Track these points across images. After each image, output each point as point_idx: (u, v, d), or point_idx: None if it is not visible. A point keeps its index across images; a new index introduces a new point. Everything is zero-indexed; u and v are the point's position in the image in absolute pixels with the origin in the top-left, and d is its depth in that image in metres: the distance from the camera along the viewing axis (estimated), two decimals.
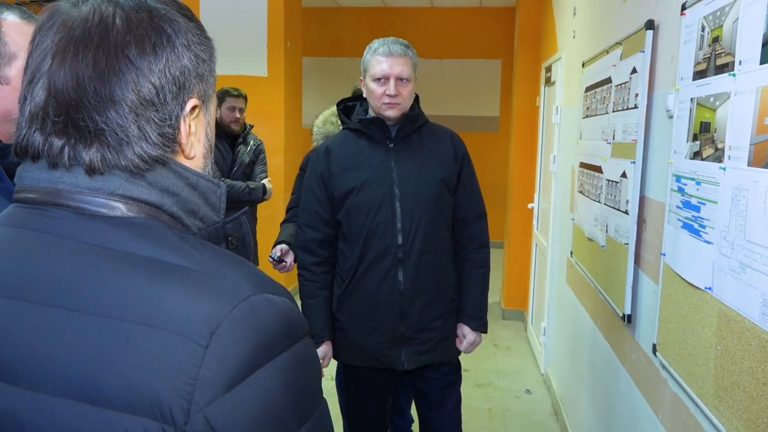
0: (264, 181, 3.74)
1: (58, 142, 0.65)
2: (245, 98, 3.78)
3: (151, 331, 0.59)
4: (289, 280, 5.50)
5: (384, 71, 2.02)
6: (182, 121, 0.69)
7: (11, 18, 1.16)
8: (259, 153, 3.86)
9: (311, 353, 0.67)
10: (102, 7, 0.66)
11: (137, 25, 0.66)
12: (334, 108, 2.70)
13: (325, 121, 2.89)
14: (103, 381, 0.58)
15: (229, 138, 3.75)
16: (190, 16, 0.72)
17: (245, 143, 3.79)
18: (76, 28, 0.65)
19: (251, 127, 3.89)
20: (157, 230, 0.66)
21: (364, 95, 2.14)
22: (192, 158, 0.72)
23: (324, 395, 0.73)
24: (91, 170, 0.65)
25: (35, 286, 0.63)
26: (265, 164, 3.91)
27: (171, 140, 0.68)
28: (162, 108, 0.67)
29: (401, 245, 2.05)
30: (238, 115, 3.70)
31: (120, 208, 0.66)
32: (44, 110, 0.65)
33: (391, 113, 2.04)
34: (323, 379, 2.65)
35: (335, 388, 2.98)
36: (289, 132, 5.57)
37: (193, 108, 0.70)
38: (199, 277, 0.62)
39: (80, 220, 0.65)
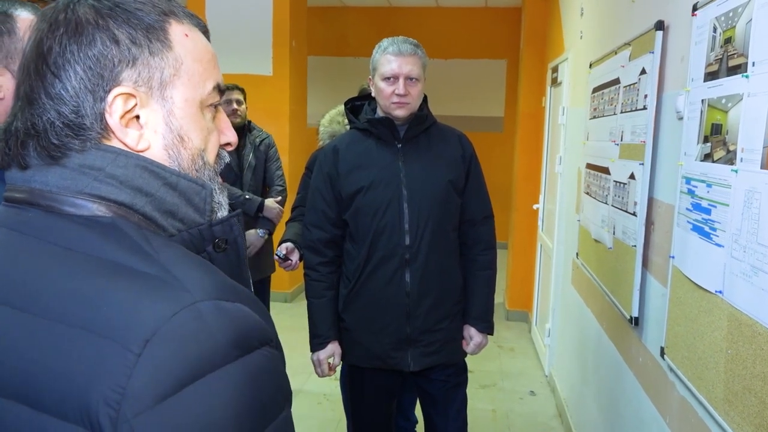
0: (269, 200, 3.58)
1: (12, 142, 0.68)
2: (241, 90, 3.67)
3: (88, 335, 0.57)
4: (293, 279, 5.51)
5: (393, 70, 2.01)
6: (106, 113, 0.66)
7: (25, 15, 1.19)
8: (268, 148, 3.70)
9: (269, 364, 0.63)
10: (46, 10, 0.69)
11: (54, 20, 0.67)
12: (341, 107, 2.69)
13: (331, 120, 2.88)
14: (39, 384, 0.57)
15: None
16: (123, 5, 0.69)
17: (247, 144, 3.64)
18: (33, 33, 0.69)
19: (250, 122, 3.77)
20: (119, 230, 0.64)
21: (373, 94, 2.13)
22: (142, 150, 0.68)
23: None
24: (21, 167, 0.67)
25: (1, 286, 0.63)
26: (279, 159, 3.79)
27: (87, 131, 0.66)
28: (71, 100, 0.66)
29: (408, 246, 2.04)
30: (235, 107, 3.61)
31: (88, 207, 0.65)
32: (17, 111, 0.69)
33: (400, 113, 2.03)
34: (329, 379, 2.65)
35: (340, 388, 2.98)
36: (294, 131, 5.56)
37: (125, 96, 0.66)
38: (147, 282, 0.60)
39: (47, 219, 0.65)
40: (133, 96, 0.67)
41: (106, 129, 0.67)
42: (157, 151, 0.69)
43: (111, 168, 0.66)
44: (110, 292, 0.59)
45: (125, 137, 0.67)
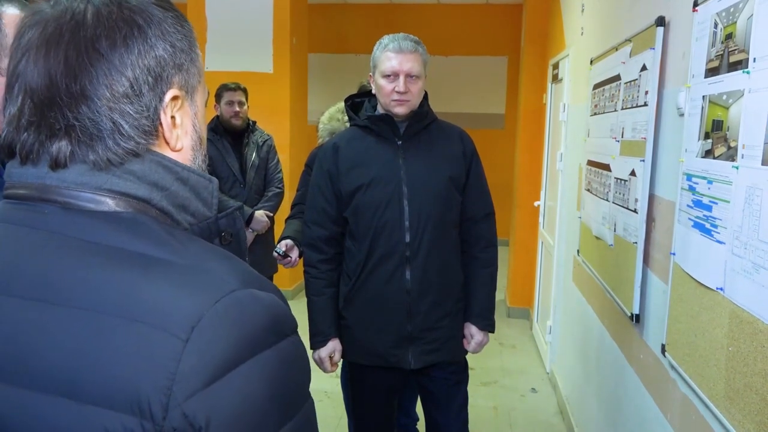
0: (259, 212, 3.58)
1: (31, 139, 0.66)
2: (245, 91, 3.66)
3: (132, 324, 0.58)
4: (294, 277, 5.50)
5: (394, 68, 2.00)
6: (162, 113, 0.68)
7: (11, 11, 1.17)
8: (269, 150, 3.72)
9: (298, 351, 0.66)
10: (74, 4, 0.66)
11: (107, 18, 0.66)
12: (340, 104, 2.69)
13: (330, 117, 2.88)
14: (82, 375, 0.57)
15: (231, 135, 3.61)
16: (166, 6, 0.71)
17: (250, 144, 3.65)
18: (49, 26, 0.66)
19: (254, 122, 3.78)
20: (143, 225, 0.66)
21: (373, 91, 2.12)
22: (179, 150, 0.71)
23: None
24: (55, 164, 0.65)
25: (20, 281, 0.62)
26: (279, 161, 3.80)
27: (148, 133, 0.67)
28: (137, 100, 0.66)
29: (409, 243, 2.04)
30: (237, 109, 3.59)
31: (107, 203, 0.65)
32: (21, 110, 0.66)
33: (400, 110, 2.03)
34: (330, 377, 2.65)
35: (341, 386, 2.98)
36: (295, 129, 5.56)
37: (175, 98, 0.70)
38: (183, 271, 0.62)
39: (67, 215, 0.65)
40: (179, 98, 0.70)
41: (156, 129, 0.69)
42: (186, 152, 0.73)
43: (128, 164, 0.67)
44: (149, 282, 0.60)
45: (171, 136, 0.70)
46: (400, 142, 2.08)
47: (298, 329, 0.70)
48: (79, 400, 0.57)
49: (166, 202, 0.69)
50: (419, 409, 2.67)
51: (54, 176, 0.66)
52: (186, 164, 0.72)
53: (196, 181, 0.72)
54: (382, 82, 2.03)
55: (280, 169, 3.78)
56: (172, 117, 0.70)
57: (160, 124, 0.69)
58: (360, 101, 2.24)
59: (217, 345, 0.58)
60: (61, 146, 0.65)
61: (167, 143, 0.70)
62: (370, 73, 2.11)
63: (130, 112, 0.66)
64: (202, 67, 0.76)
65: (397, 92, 2.01)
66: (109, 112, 0.65)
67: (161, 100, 0.68)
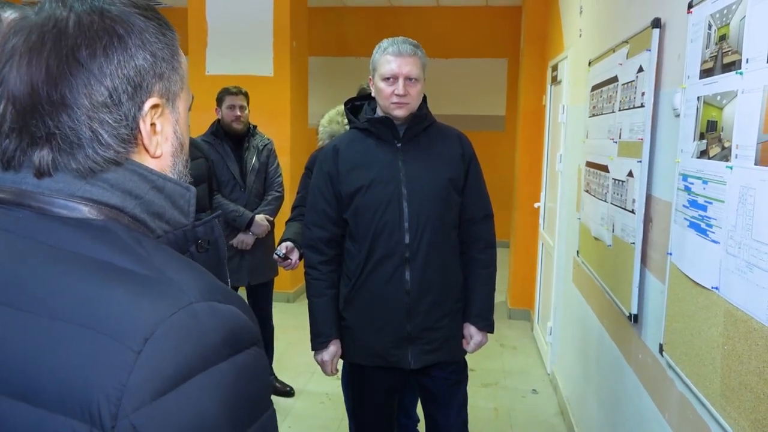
0: (260, 216, 3.60)
1: (13, 146, 0.67)
2: (246, 95, 3.67)
3: (88, 333, 0.58)
4: (294, 279, 5.52)
5: (393, 71, 2.02)
6: (141, 121, 0.69)
7: (13, 16, 1.17)
8: (269, 154, 3.73)
9: (257, 364, 0.66)
10: (57, 12, 0.67)
11: (88, 27, 0.66)
12: (340, 107, 2.70)
13: (330, 120, 2.90)
14: (38, 380, 0.58)
15: (232, 139, 3.63)
16: (149, 15, 0.71)
17: (250, 148, 3.67)
18: (33, 34, 0.66)
19: (255, 127, 3.80)
20: (111, 233, 0.66)
21: (373, 94, 2.14)
22: (158, 157, 0.72)
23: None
24: (39, 173, 0.66)
25: None
26: (279, 165, 3.82)
27: (127, 141, 0.68)
28: (116, 109, 0.67)
29: (408, 245, 2.05)
30: (238, 113, 3.60)
31: (80, 210, 0.66)
32: (3, 116, 0.67)
33: (399, 113, 2.05)
34: (330, 379, 2.66)
35: (341, 388, 2.99)
36: (295, 132, 5.57)
37: (155, 107, 0.70)
38: (143, 282, 0.62)
39: (40, 221, 0.66)
40: (160, 106, 0.71)
41: (135, 137, 0.69)
42: (165, 158, 0.73)
43: (105, 172, 0.68)
44: (108, 291, 0.61)
45: (150, 144, 0.71)
46: (400, 144, 2.10)
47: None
48: (33, 404, 0.58)
49: (140, 210, 0.69)
50: (419, 410, 2.68)
51: (31, 182, 0.67)
52: (164, 172, 0.73)
53: (173, 189, 0.72)
54: (382, 85, 2.04)
55: (280, 173, 3.80)
56: (152, 124, 0.71)
57: (139, 132, 0.69)
58: (360, 104, 2.26)
59: (168, 358, 0.58)
60: (43, 155, 0.66)
61: (146, 150, 0.71)
62: (370, 77, 2.13)
63: (109, 121, 0.67)
64: (186, 74, 0.76)
65: (397, 95, 2.02)
66: (88, 121, 0.66)
67: (140, 108, 0.69)
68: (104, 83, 0.66)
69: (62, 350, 0.58)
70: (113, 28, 0.67)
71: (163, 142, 0.72)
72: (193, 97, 0.79)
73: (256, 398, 0.65)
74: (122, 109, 0.67)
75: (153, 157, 0.72)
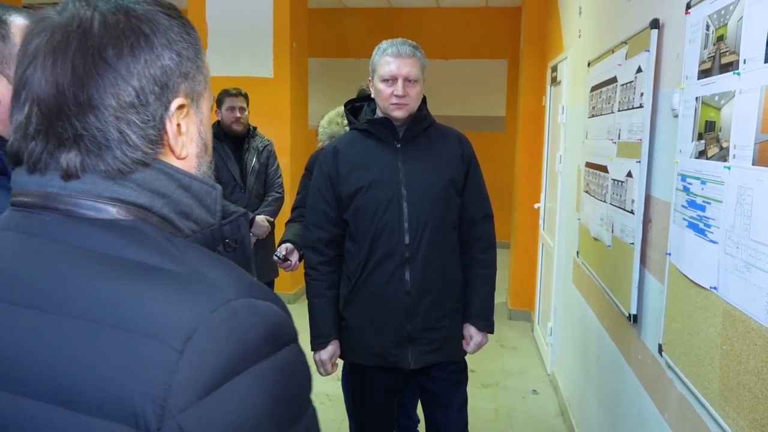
0: (260, 217, 3.59)
1: (39, 149, 0.65)
2: (245, 97, 3.67)
3: (128, 334, 0.57)
4: (295, 280, 5.52)
5: (392, 72, 2.02)
6: (168, 122, 0.68)
7: (19, 20, 1.20)
8: (269, 155, 3.74)
9: (297, 361, 0.65)
10: (81, 12, 0.66)
11: (114, 27, 0.65)
12: (340, 108, 2.71)
13: (330, 121, 2.90)
14: (79, 384, 0.57)
15: (232, 140, 3.64)
16: (173, 14, 0.70)
17: (250, 149, 3.68)
18: (56, 34, 0.65)
19: (255, 128, 3.81)
20: (142, 232, 0.65)
21: (372, 95, 2.14)
22: (184, 158, 0.71)
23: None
24: (66, 175, 0.65)
25: (20, 288, 0.62)
26: (278, 166, 3.83)
27: (155, 142, 0.67)
28: (143, 110, 0.66)
29: (408, 245, 2.06)
30: (238, 115, 3.60)
31: (108, 211, 0.65)
32: (28, 118, 0.65)
33: (398, 114, 2.05)
34: (331, 379, 2.66)
35: (342, 388, 2.99)
36: (296, 133, 5.58)
37: (181, 107, 0.69)
38: (179, 280, 0.61)
39: (68, 223, 0.65)
40: (185, 106, 0.70)
41: (162, 138, 0.68)
42: (191, 159, 0.72)
43: (133, 173, 0.67)
44: (144, 291, 0.60)
45: (176, 145, 0.69)
46: (399, 145, 2.10)
47: (300, 332, 0.68)
48: (74, 409, 0.57)
49: (168, 210, 0.68)
50: (419, 411, 2.68)
51: (57, 184, 0.65)
52: (190, 171, 0.71)
53: (199, 188, 0.71)
54: (381, 86, 2.05)
55: (280, 174, 3.81)
56: (178, 125, 0.69)
57: (166, 132, 0.68)
58: (359, 105, 2.27)
59: (212, 356, 0.57)
60: (71, 157, 0.65)
61: (172, 151, 0.70)
62: (369, 78, 2.14)
63: (137, 121, 0.65)
64: (208, 74, 0.76)
65: (396, 96, 2.03)
66: (116, 121, 0.64)
67: (167, 109, 0.68)
68: (131, 83, 0.65)
69: (100, 352, 0.57)
70: (139, 27, 0.66)
71: (188, 143, 0.71)
72: (213, 98, 0.78)
73: (297, 396, 0.64)
74: (149, 110, 0.66)
75: (179, 158, 0.70)
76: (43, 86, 0.64)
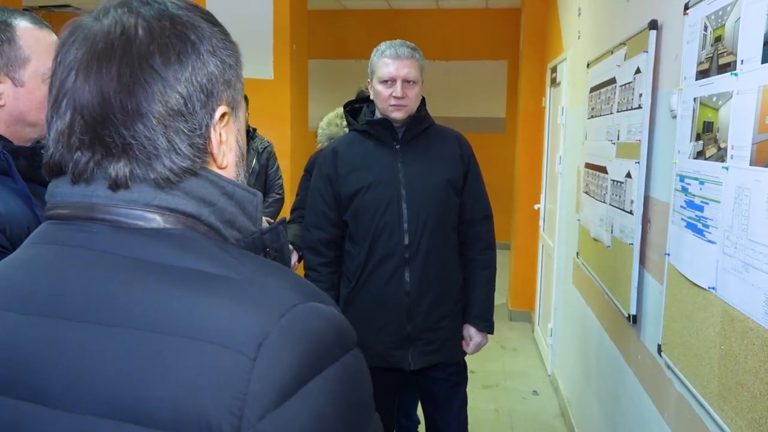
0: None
1: (85, 159, 0.63)
2: (245, 99, 3.70)
3: (196, 344, 0.56)
4: None
5: (391, 73, 2.03)
6: (212, 130, 0.67)
7: (24, 24, 1.21)
8: (269, 157, 3.75)
9: (361, 364, 0.64)
10: (124, 19, 0.64)
11: (160, 34, 0.64)
12: (339, 110, 2.71)
13: (329, 123, 2.91)
14: (147, 399, 0.55)
15: None
16: (214, 21, 0.70)
17: (250, 150, 3.67)
18: (98, 42, 0.63)
19: (254, 130, 3.81)
20: (194, 241, 0.64)
21: (371, 97, 2.15)
22: (224, 168, 0.70)
23: None
24: (115, 185, 0.63)
25: (71, 303, 0.60)
26: (278, 167, 3.83)
27: (201, 150, 0.66)
28: (191, 118, 0.64)
29: (408, 246, 2.06)
30: None
31: (157, 220, 0.63)
32: (71, 128, 0.63)
33: (397, 115, 2.06)
34: None
35: None
36: (296, 134, 5.57)
37: (223, 115, 0.68)
38: (242, 287, 0.60)
39: (117, 234, 0.63)
40: (227, 115, 0.69)
41: (207, 147, 0.67)
42: (230, 169, 0.71)
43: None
44: (207, 299, 0.58)
45: (218, 153, 0.68)
46: (399, 146, 2.11)
47: None
48: (144, 425, 0.55)
49: (214, 218, 0.66)
50: (420, 411, 2.68)
51: (102, 194, 0.63)
52: (231, 179, 0.70)
53: (242, 195, 0.69)
54: (380, 87, 2.06)
55: (280, 176, 3.82)
56: (219, 134, 0.68)
57: (210, 141, 0.67)
58: (359, 107, 2.28)
59: (285, 362, 0.56)
60: (120, 166, 0.63)
61: (214, 160, 0.68)
62: (368, 79, 2.14)
63: (185, 130, 0.64)
64: (243, 83, 0.75)
65: (395, 97, 2.04)
66: (164, 130, 0.63)
67: (212, 117, 0.67)
68: (179, 91, 0.63)
69: (170, 365, 0.56)
70: (185, 34, 0.65)
71: (228, 151, 0.70)
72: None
73: (365, 400, 0.64)
74: (196, 118, 0.65)
75: (220, 167, 0.69)
76: (86, 95, 0.63)
